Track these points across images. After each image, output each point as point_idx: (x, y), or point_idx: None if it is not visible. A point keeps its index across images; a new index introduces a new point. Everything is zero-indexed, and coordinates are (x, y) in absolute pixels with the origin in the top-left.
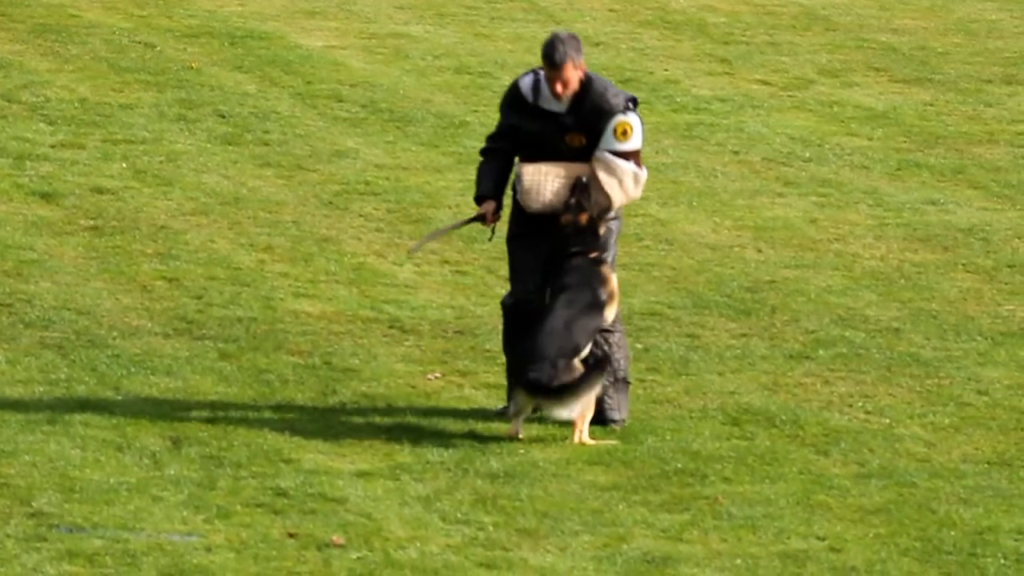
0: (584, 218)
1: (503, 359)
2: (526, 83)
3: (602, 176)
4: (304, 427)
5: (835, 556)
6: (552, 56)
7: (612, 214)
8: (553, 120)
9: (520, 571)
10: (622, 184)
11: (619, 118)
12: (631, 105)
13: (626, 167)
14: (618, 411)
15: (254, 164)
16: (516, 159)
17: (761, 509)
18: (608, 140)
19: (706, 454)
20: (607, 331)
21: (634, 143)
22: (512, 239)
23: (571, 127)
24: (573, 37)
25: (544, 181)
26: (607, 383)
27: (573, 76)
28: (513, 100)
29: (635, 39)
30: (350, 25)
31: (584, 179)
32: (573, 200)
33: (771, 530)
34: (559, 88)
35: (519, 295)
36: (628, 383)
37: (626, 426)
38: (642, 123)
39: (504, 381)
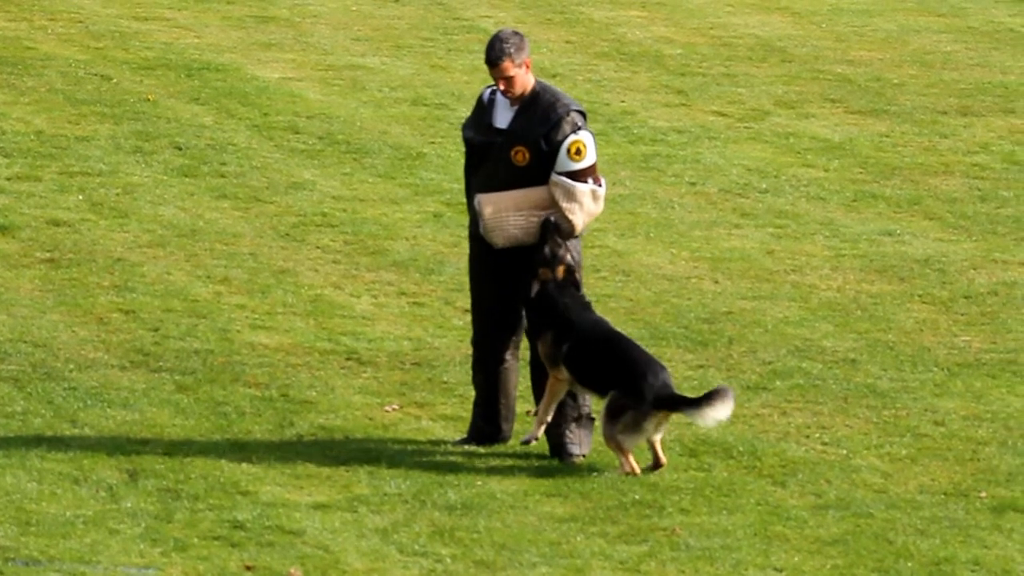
0: (562, 271)
1: (461, 391)
2: (486, 94)
3: (563, 204)
4: (261, 459)
5: None
6: (489, 55)
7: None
8: (500, 135)
9: None
10: (583, 207)
11: (572, 138)
12: (580, 121)
13: (583, 188)
14: (579, 446)
15: (211, 196)
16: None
17: (719, 540)
18: (563, 162)
19: (664, 485)
20: None
21: (588, 160)
22: (473, 278)
23: (516, 140)
24: (515, 34)
25: (505, 216)
26: (571, 417)
27: (518, 73)
28: (474, 110)
29: (592, 71)
30: (307, 57)
31: (552, 219)
32: (548, 251)
33: (728, 561)
34: (503, 87)
35: (480, 337)
36: (592, 420)
37: (584, 457)
38: (593, 137)
39: (463, 413)
